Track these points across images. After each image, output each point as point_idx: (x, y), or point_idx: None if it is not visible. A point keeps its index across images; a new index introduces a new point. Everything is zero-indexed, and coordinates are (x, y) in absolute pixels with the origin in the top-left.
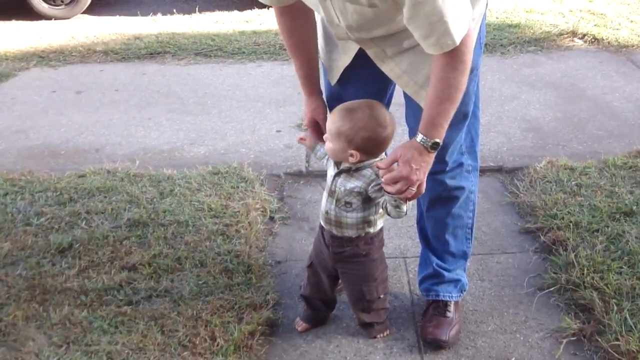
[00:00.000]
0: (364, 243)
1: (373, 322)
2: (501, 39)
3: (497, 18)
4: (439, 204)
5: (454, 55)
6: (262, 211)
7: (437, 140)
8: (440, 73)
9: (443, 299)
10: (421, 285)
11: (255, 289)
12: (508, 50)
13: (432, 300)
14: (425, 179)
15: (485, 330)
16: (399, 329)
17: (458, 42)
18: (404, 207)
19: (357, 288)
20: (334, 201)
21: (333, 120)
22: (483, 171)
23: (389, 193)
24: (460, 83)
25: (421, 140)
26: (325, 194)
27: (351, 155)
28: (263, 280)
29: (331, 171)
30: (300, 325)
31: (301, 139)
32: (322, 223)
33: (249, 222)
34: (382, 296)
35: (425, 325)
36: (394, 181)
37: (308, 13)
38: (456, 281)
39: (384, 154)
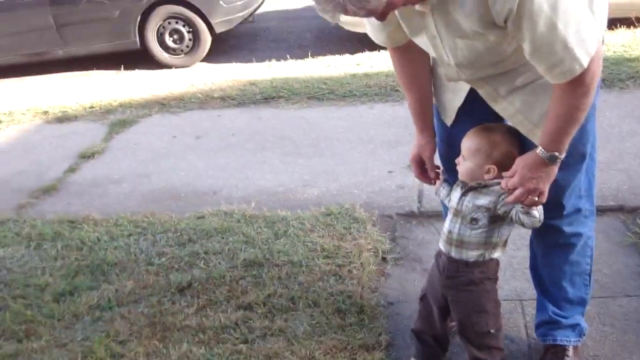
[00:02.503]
0: (480, 272)
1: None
2: (619, 74)
3: (614, 52)
4: (555, 251)
5: (575, 79)
6: (374, 252)
7: (556, 153)
8: (560, 93)
9: (561, 343)
10: (537, 330)
11: (367, 329)
12: (627, 85)
13: (550, 345)
14: (546, 190)
15: None
16: None
17: (586, 65)
18: (535, 212)
19: (466, 317)
20: (459, 219)
21: (471, 139)
22: (603, 211)
23: (509, 202)
24: (582, 104)
25: (540, 152)
26: (449, 217)
27: (488, 171)
28: (375, 321)
29: (457, 193)
30: None
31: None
32: (442, 246)
33: (361, 263)
34: (492, 331)
35: None
36: (513, 187)
37: (421, 49)
38: (574, 325)
39: None
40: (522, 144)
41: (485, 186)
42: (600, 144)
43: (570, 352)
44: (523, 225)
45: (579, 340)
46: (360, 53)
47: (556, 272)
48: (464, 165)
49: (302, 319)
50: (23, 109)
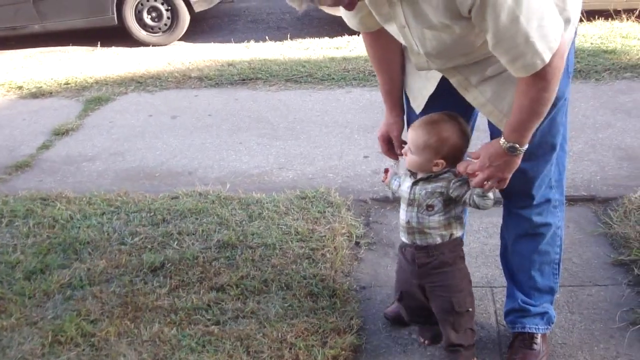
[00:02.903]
0: (449, 250)
1: (461, 345)
2: (596, 65)
3: (591, 44)
4: (524, 241)
5: (536, 74)
6: (348, 236)
7: (517, 145)
8: (523, 87)
9: (529, 331)
10: (507, 318)
11: (339, 313)
12: (603, 76)
13: (518, 333)
14: (507, 177)
15: None
16: None
17: (547, 60)
18: (490, 194)
19: (446, 300)
20: (415, 209)
21: (418, 135)
22: (575, 201)
23: (473, 186)
24: (543, 98)
25: (502, 142)
26: (403, 207)
27: (436, 164)
28: (347, 305)
29: (407, 183)
30: (424, 343)
31: (386, 171)
32: (404, 237)
33: (334, 247)
34: (470, 310)
35: (511, 357)
36: (472, 172)
37: (392, 35)
38: (543, 314)
39: None
40: (464, 127)
41: (436, 176)
42: (574, 134)
43: (539, 339)
44: (477, 207)
45: (547, 328)
46: (340, 37)
47: (525, 261)
48: (411, 158)
49: (275, 302)
50: None
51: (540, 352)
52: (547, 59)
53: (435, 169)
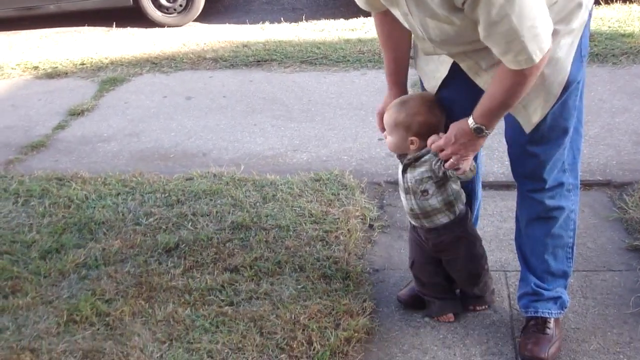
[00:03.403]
0: (458, 227)
1: (483, 294)
2: (613, 49)
3: (609, 27)
4: (537, 224)
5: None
6: (362, 219)
7: (482, 127)
8: (501, 76)
9: (542, 315)
10: (520, 302)
11: (352, 295)
12: (620, 60)
13: (531, 317)
14: (468, 157)
15: (587, 349)
16: (497, 343)
17: (537, 60)
18: (460, 166)
19: (465, 268)
20: (412, 196)
21: (389, 114)
22: (590, 185)
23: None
24: (517, 92)
25: (470, 121)
26: (402, 195)
27: (411, 142)
28: (360, 287)
29: (400, 171)
30: (445, 317)
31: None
32: (412, 221)
33: (348, 229)
34: (486, 267)
35: (523, 341)
36: (438, 149)
37: None
38: (556, 298)
39: None
40: (436, 105)
41: (417, 159)
42: (590, 118)
43: (552, 324)
44: (459, 178)
45: (560, 313)
46: (355, 18)
47: (538, 245)
48: (389, 140)
49: (288, 283)
50: (13, 63)
51: (553, 336)
52: (537, 60)
53: (411, 147)
